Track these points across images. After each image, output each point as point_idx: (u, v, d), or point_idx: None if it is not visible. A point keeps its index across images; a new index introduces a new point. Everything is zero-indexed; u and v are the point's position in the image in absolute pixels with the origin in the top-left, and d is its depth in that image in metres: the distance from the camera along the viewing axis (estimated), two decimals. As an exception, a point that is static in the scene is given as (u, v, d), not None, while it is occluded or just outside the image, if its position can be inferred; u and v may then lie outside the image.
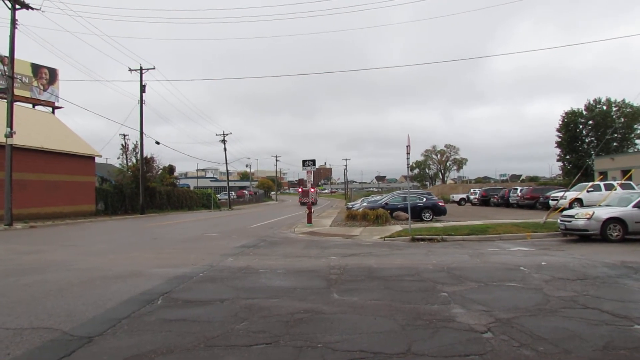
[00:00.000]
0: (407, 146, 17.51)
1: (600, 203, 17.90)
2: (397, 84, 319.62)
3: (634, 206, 13.81)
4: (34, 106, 36.60)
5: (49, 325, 5.34)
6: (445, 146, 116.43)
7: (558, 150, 59.67)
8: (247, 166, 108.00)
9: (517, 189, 38.84)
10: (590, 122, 56.62)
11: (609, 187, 25.53)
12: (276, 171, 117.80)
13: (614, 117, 56.47)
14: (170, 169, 58.04)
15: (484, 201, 44.18)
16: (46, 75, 37.12)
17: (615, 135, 55.37)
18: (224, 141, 63.65)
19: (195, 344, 4.64)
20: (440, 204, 25.58)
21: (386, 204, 25.88)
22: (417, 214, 23.40)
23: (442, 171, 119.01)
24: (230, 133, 67.89)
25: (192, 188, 68.83)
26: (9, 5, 22.75)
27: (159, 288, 7.46)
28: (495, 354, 4.33)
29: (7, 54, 23.52)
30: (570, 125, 57.19)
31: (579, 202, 25.13)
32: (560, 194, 27.08)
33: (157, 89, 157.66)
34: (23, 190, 27.91)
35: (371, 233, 17.75)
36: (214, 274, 8.95)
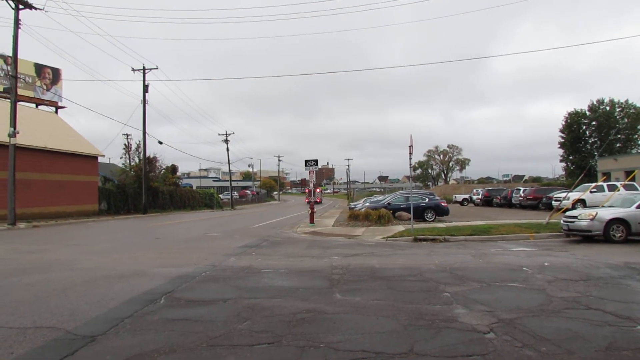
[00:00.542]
0: (409, 146, 17.51)
1: (604, 204, 17.87)
2: (398, 84, 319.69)
3: (638, 207, 13.76)
4: (37, 106, 36.70)
5: (52, 324, 5.35)
6: (448, 146, 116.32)
7: (561, 151, 59.56)
8: (249, 166, 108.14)
9: (520, 189, 38.77)
10: (594, 122, 56.47)
11: (612, 188, 25.46)
12: (278, 171, 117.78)
13: (617, 117, 56.31)
14: (173, 169, 58.11)
15: (487, 201, 44.11)
16: (49, 75, 37.21)
17: (619, 136, 55.21)
18: (226, 141, 63.75)
19: (197, 344, 4.65)
20: (442, 204, 25.55)
21: (388, 204, 25.87)
22: (419, 214, 23.38)
23: (445, 171, 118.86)
24: (233, 133, 68.18)
25: (194, 188, 68.91)
26: (12, 5, 22.82)
27: (162, 288, 7.47)
28: (497, 354, 4.32)
29: (11, 54, 23.60)
30: (574, 126, 57.04)
31: (582, 202, 25.08)
32: (563, 194, 27.01)
33: (160, 89, 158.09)
34: (26, 189, 28.00)
35: (373, 233, 17.74)
36: (217, 273, 8.96)
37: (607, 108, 57.07)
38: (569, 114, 58.18)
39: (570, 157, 57.99)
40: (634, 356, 4.29)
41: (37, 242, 15.83)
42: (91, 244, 15.07)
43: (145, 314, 5.86)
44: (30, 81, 34.96)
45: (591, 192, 25.78)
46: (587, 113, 57.47)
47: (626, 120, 56.11)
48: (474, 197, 49.33)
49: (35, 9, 23.79)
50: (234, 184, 75.52)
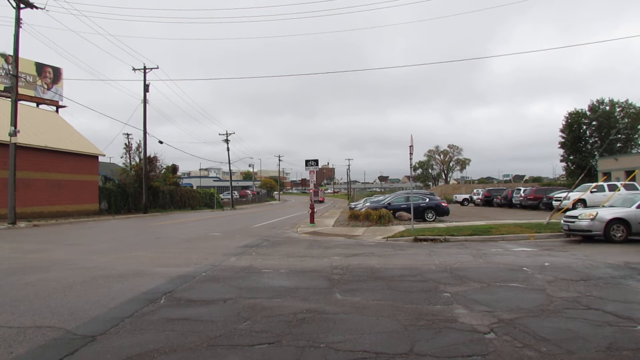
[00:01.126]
0: (410, 146, 17.51)
1: (604, 204, 17.85)
2: (398, 84, 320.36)
3: (638, 207, 13.76)
4: (37, 105, 36.71)
5: (52, 324, 5.35)
6: (449, 146, 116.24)
7: (562, 151, 59.54)
8: (250, 166, 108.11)
9: (520, 189, 38.76)
10: (594, 122, 56.45)
11: (613, 188, 25.45)
12: (279, 171, 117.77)
13: (618, 117, 56.29)
14: (174, 169, 58.10)
15: (487, 202, 44.10)
16: (50, 75, 37.22)
17: (619, 135, 55.20)
18: (227, 141, 63.74)
19: (198, 344, 4.65)
20: (443, 204, 25.54)
21: (389, 204, 25.86)
22: (420, 214, 23.37)
23: (445, 171, 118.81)
24: (233, 132, 68.15)
25: (195, 187, 68.86)
26: (14, 4, 22.82)
27: (162, 287, 7.48)
28: (498, 354, 4.32)
29: (12, 53, 23.61)
30: (574, 126, 57.02)
31: (582, 202, 25.07)
32: (564, 194, 27.00)
33: (160, 89, 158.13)
34: (27, 188, 28.02)
35: (374, 233, 17.74)
36: (217, 273, 8.96)
37: (607, 108, 57.05)
38: (570, 113, 58.17)
39: (571, 157, 57.98)
40: (635, 356, 4.29)
41: (38, 242, 15.83)
42: (91, 244, 15.07)
43: (146, 313, 5.86)
44: (31, 80, 34.98)
45: (591, 192, 25.78)
46: (588, 113, 57.46)
47: (626, 120, 56.09)
48: (475, 197, 49.33)
49: (37, 8, 23.79)
50: (234, 183, 75.53)
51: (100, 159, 38.71)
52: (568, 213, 15.87)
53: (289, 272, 9.12)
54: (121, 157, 47.08)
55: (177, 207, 47.63)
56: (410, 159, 17.69)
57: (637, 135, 56.22)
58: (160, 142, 41.96)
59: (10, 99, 24.04)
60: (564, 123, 58.47)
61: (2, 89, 33.19)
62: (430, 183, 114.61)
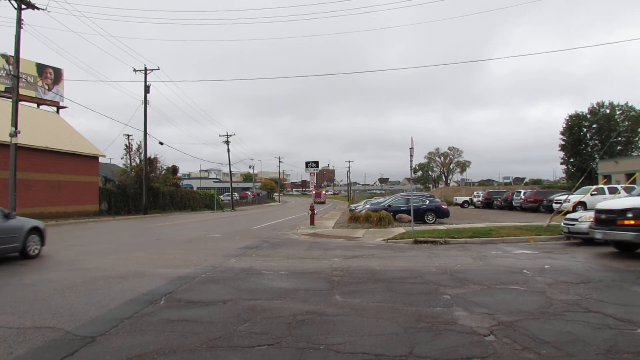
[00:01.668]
0: (410, 148, 17.51)
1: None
2: (397, 86, 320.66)
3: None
4: (38, 106, 36.73)
5: (52, 324, 5.35)
6: (449, 149, 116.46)
7: (562, 154, 59.58)
8: (250, 167, 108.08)
9: (520, 191, 38.77)
10: (594, 125, 56.51)
11: (613, 191, 25.45)
12: (279, 172, 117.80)
13: (618, 120, 56.34)
14: (174, 170, 58.08)
15: (487, 204, 44.08)
16: (51, 75, 37.26)
17: (619, 138, 55.25)
18: (227, 142, 63.76)
19: (197, 345, 4.65)
20: (443, 206, 25.54)
21: (389, 206, 25.86)
22: (420, 216, 23.36)
23: (445, 174, 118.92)
24: (234, 134, 68.24)
25: (195, 189, 68.85)
26: (15, 5, 22.85)
27: (162, 288, 7.48)
28: (497, 357, 4.32)
29: (13, 54, 23.63)
30: (574, 129, 57.07)
31: (582, 205, 25.05)
32: (564, 197, 27.00)
33: (161, 90, 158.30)
34: (27, 189, 28.02)
35: (374, 235, 17.73)
36: (217, 274, 8.96)
37: (608, 111, 57.12)
38: (570, 116, 58.22)
39: (571, 160, 58.03)
40: (635, 359, 4.28)
41: (38, 242, 15.80)
42: (91, 244, 15.08)
43: (145, 314, 5.86)
44: (32, 81, 35.01)
45: (592, 194, 25.77)
46: (588, 116, 57.51)
47: (627, 122, 56.13)
48: (475, 200, 49.35)
49: (38, 9, 23.81)
50: (234, 185, 75.54)
51: (101, 159, 38.73)
52: (568, 216, 15.85)
53: (288, 274, 9.12)
54: (121, 158, 47.12)
55: (177, 209, 47.62)
56: (411, 161, 17.70)
57: (637, 138, 56.29)
58: (161, 143, 41.97)
59: (11, 100, 24.05)
60: (564, 126, 58.53)
61: (3, 89, 33.21)
62: (431, 185, 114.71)
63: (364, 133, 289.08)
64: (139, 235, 19.39)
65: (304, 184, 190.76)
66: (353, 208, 34.57)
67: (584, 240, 14.33)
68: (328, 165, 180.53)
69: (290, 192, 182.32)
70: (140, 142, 41.50)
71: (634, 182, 26.60)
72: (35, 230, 12.44)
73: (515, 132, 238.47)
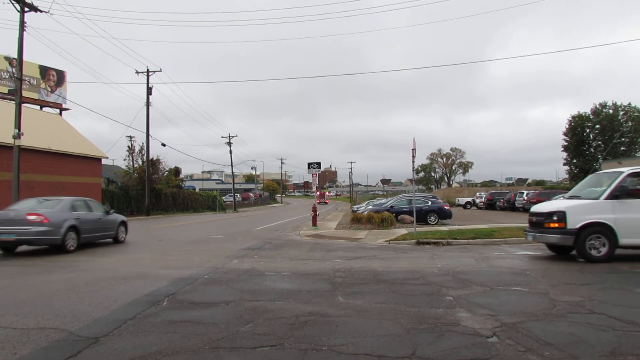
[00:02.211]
0: (412, 149, 17.50)
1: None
2: (398, 88, 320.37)
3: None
4: (41, 108, 36.86)
5: (55, 325, 5.37)
6: (451, 149, 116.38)
7: (565, 154, 59.46)
8: (252, 168, 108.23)
9: (523, 192, 38.72)
10: (597, 126, 56.38)
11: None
12: (281, 174, 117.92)
13: (621, 121, 56.21)
14: (176, 171, 58.18)
15: (490, 205, 44.05)
16: (54, 77, 37.38)
17: (623, 139, 55.12)
18: (229, 143, 63.82)
19: (200, 346, 4.65)
20: (445, 207, 25.52)
21: (391, 207, 25.85)
22: (422, 217, 23.34)
23: (448, 174, 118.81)
24: (236, 135, 68.19)
25: (197, 190, 69.02)
26: (18, 7, 22.94)
27: (165, 289, 7.49)
28: (500, 358, 4.31)
29: (16, 56, 23.71)
30: (577, 129, 56.96)
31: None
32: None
33: (163, 91, 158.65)
34: (30, 191, 28.07)
35: (376, 236, 17.72)
36: (219, 276, 8.97)
37: (611, 111, 57.00)
38: (573, 117, 58.13)
39: (574, 161, 57.92)
40: (638, 361, 4.27)
41: (41, 244, 15.85)
42: (94, 246, 15.09)
43: (148, 315, 5.87)
44: (35, 83, 35.14)
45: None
46: (591, 116, 57.39)
47: (630, 123, 56.01)
48: (477, 201, 49.31)
49: (41, 11, 23.89)
50: (236, 186, 75.60)
51: (103, 161, 38.82)
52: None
53: (291, 275, 9.12)
54: (124, 160, 47.31)
55: (179, 210, 47.69)
56: (413, 162, 17.69)
57: (640, 139, 56.16)
58: (163, 145, 42.03)
59: (14, 102, 24.13)
60: (567, 126, 58.44)
61: (6, 91, 33.33)
62: (433, 186, 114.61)
63: (365, 134, 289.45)
64: (141, 237, 19.41)
65: (306, 185, 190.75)
66: (355, 209, 34.56)
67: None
68: (330, 166, 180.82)
69: (293, 193, 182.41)
70: (143, 143, 41.67)
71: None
72: (122, 223, 16.83)
73: (517, 133, 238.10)
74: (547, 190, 43.04)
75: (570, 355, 4.37)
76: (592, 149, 57.14)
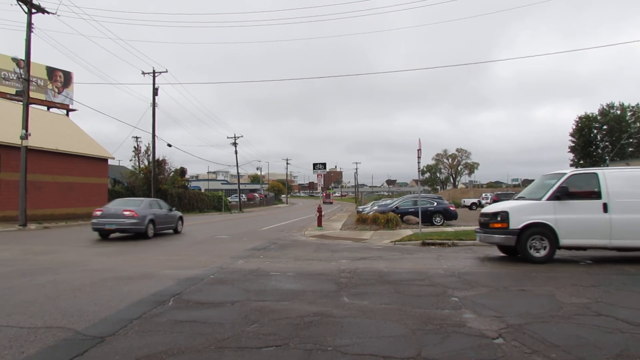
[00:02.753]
0: (418, 150, 17.47)
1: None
2: (402, 89, 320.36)
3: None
4: (48, 109, 37.14)
5: (62, 324, 5.40)
6: (457, 150, 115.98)
7: (571, 155, 59.17)
8: (257, 169, 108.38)
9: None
10: (605, 126, 56.04)
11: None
12: (286, 174, 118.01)
13: (629, 121, 55.83)
14: (182, 172, 58.40)
15: (496, 206, 43.79)
16: (61, 79, 37.65)
17: (631, 140, 54.73)
18: (235, 144, 64.02)
19: (206, 346, 4.66)
20: (451, 208, 25.47)
21: (397, 207, 25.82)
22: (428, 218, 23.30)
23: (454, 175, 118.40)
24: (242, 136, 68.44)
25: (203, 190, 69.24)
26: (26, 9, 23.13)
27: (170, 289, 7.51)
28: (506, 359, 4.29)
29: (23, 57, 23.90)
30: (584, 130, 56.67)
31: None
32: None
33: (168, 92, 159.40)
34: (37, 191, 28.30)
35: (381, 237, 17.70)
36: (225, 276, 8.99)
37: (618, 112, 56.65)
38: (580, 117, 57.84)
39: (581, 162, 57.60)
40: (646, 363, 4.24)
41: (48, 243, 15.98)
42: (100, 246, 15.18)
43: (154, 315, 5.89)
44: (42, 84, 35.40)
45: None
46: (598, 117, 57.05)
47: (638, 124, 55.61)
48: (483, 202, 49.08)
49: (48, 13, 24.08)
50: (242, 186, 75.77)
51: (110, 161, 39.03)
52: None
53: (296, 275, 9.13)
54: (130, 160, 47.53)
55: (185, 210, 47.80)
56: (419, 162, 17.66)
57: (649, 140, 55.75)
58: (169, 145, 42.32)
59: (21, 103, 24.33)
60: (574, 127, 58.14)
61: (14, 92, 33.61)
62: (439, 187, 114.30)
63: (370, 134, 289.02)
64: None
65: (311, 186, 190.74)
66: (361, 210, 34.54)
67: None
68: (335, 167, 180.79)
69: (298, 194, 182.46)
70: (149, 144, 41.90)
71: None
72: (180, 218, 21.72)
73: (523, 134, 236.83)
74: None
75: (577, 358, 4.34)
76: (599, 150, 56.82)
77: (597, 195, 10.59)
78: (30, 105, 24.75)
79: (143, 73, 39.28)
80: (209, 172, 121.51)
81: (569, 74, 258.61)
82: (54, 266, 10.15)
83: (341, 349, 4.57)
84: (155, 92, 39.10)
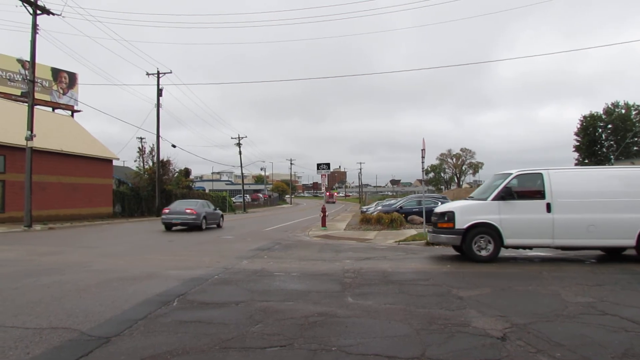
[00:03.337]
0: (422, 150, 17.44)
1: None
2: (405, 89, 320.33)
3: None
4: (53, 110, 37.30)
5: (67, 325, 5.42)
6: (461, 150, 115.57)
7: (576, 155, 58.91)
8: (261, 169, 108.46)
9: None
10: (610, 126, 55.77)
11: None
12: (291, 174, 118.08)
13: (634, 120, 55.54)
14: (186, 172, 58.56)
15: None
16: (66, 80, 37.80)
17: (636, 139, 54.44)
18: (239, 144, 64.06)
19: (210, 346, 4.68)
20: (455, 208, 25.32)
21: (401, 207, 25.79)
22: (432, 218, 23.22)
23: (458, 175, 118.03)
24: (245, 136, 68.43)
25: (207, 191, 69.40)
26: (31, 10, 23.23)
27: (175, 290, 7.53)
28: (511, 359, 4.28)
29: (29, 58, 24.02)
30: (589, 129, 56.42)
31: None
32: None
33: (172, 93, 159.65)
34: (42, 192, 28.43)
35: (386, 237, 17.69)
36: (229, 276, 9.01)
37: (623, 111, 56.36)
38: (584, 117, 57.58)
39: (586, 161, 57.34)
40: (651, 363, 4.22)
41: (53, 244, 16.05)
42: (105, 246, 15.24)
43: (159, 315, 5.91)
44: (47, 85, 35.56)
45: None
46: (603, 116, 56.78)
47: (643, 123, 55.32)
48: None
49: (53, 14, 24.18)
50: (246, 187, 75.87)
51: (114, 162, 39.14)
52: None
53: (300, 276, 9.13)
54: (135, 161, 47.71)
55: (189, 211, 47.88)
56: (422, 162, 17.63)
57: (654, 139, 55.43)
58: (173, 146, 42.32)
59: (26, 104, 24.45)
60: (578, 126, 57.91)
61: (19, 94, 33.79)
62: (443, 187, 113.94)
63: (374, 135, 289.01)
64: (151, 237, 19.55)
65: (315, 186, 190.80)
66: (365, 210, 34.52)
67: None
68: (339, 167, 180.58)
69: (302, 194, 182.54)
70: (153, 145, 41.93)
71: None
72: (221, 216, 26.89)
73: (527, 133, 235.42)
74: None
75: (582, 357, 4.33)
76: (604, 149, 56.56)
77: (541, 195, 10.71)
78: (35, 107, 24.87)
79: (147, 74, 39.44)
80: (213, 173, 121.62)
81: (571, 73, 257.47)
82: (59, 267, 10.20)
83: (345, 349, 4.58)
84: (159, 92, 39.26)
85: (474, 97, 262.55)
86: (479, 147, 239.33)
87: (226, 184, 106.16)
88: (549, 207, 10.56)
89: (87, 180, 33.47)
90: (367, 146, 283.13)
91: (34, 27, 23.39)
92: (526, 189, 11.06)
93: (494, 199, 10.81)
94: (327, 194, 26.95)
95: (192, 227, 22.68)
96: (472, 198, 12.11)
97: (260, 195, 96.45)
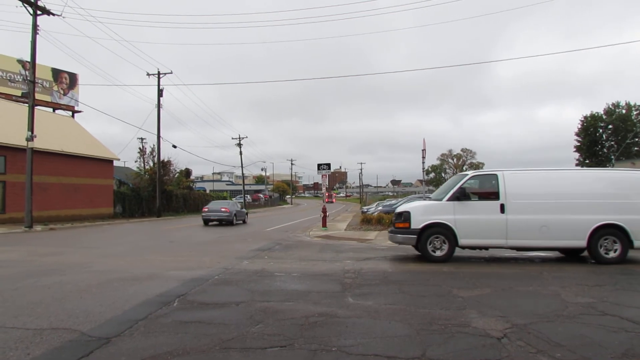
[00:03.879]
0: (422, 150, 17.46)
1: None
2: (406, 89, 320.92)
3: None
4: (54, 110, 37.32)
5: (68, 326, 5.43)
6: (462, 150, 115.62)
7: (577, 155, 58.90)
8: (262, 170, 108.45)
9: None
10: (610, 126, 55.75)
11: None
12: (291, 175, 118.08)
13: (635, 121, 55.52)
14: (187, 173, 58.59)
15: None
16: (66, 80, 37.83)
17: (637, 139, 54.41)
18: (239, 145, 64.10)
19: (211, 346, 4.68)
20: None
21: (401, 208, 25.71)
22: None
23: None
24: (246, 137, 68.48)
25: (208, 191, 69.44)
26: (31, 11, 23.25)
27: (175, 290, 7.54)
28: (511, 359, 4.28)
29: (29, 59, 24.03)
30: (590, 130, 56.41)
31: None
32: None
33: (173, 93, 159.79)
34: (43, 192, 28.45)
35: (386, 237, 17.66)
36: (230, 276, 9.01)
37: (624, 111, 56.34)
38: (585, 117, 57.59)
39: (587, 161, 57.36)
40: (651, 363, 4.22)
41: (54, 245, 16.06)
42: (106, 247, 15.25)
43: (159, 316, 5.91)
44: (47, 86, 35.59)
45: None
46: (603, 116, 56.77)
47: (644, 123, 55.29)
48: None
49: (53, 14, 24.19)
50: (246, 187, 75.92)
51: (115, 163, 39.17)
52: None
53: (301, 276, 9.14)
54: (135, 161, 47.71)
55: (190, 211, 47.95)
56: (423, 162, 17.65)
57: (654, 139, 55.39)
58: (174, 147, 42.28)
59: (27, 105, 24.46)
60: (579, 127, 57.92)
61: (20, 94, 33.82)
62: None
63: (374, 135, 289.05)
64: (152, 238, 19.57)
65: (315, 186, 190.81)
66: (365, 210, 34.52)
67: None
68: (340, 167, 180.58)
69: (303, 194, 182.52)
70: (154, 145, 41.94)
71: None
72: (246, 213, 31.63)
73: (528, 133, 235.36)
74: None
75: (582, 357, 4.33)
76: (605, 150, 56.55)
77: (495, 196, 10.76)
78: (35, 107, 24.88)
79: (148, 74, 39.46)
80: (213, 173, 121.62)
81: (571, 74, 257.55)
82: (59, 267, 10.21)
83: (346, 349, 4.58)
84: (160, 93, 39.27)
85: (474, 97, 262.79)
86: (479, 147, 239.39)
87: (227, 185, 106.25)
88: (502, 208, 10.61)
89: (88, 180, 33.49)
90: (367, 146, 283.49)
91: (34, 27, 23.40)
92: (481, 190, 11.17)
93: (449, 200, 10.87)
94: (327, 194, 27.30)
95: (227, 222, 27.68)
96: (429, 198, 12.18)
97: (261, 195, 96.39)
